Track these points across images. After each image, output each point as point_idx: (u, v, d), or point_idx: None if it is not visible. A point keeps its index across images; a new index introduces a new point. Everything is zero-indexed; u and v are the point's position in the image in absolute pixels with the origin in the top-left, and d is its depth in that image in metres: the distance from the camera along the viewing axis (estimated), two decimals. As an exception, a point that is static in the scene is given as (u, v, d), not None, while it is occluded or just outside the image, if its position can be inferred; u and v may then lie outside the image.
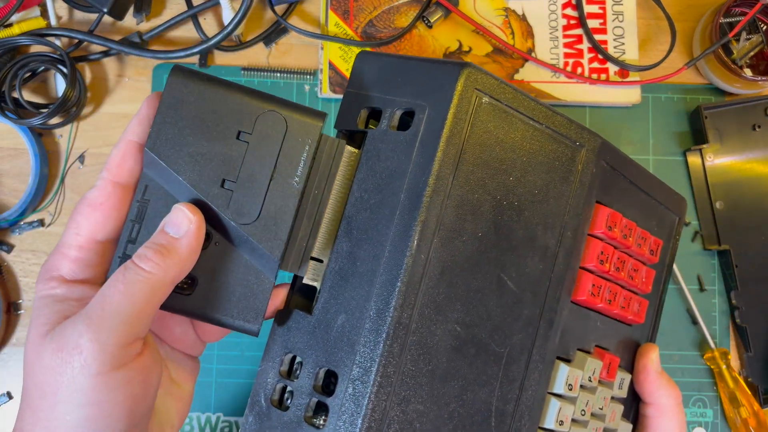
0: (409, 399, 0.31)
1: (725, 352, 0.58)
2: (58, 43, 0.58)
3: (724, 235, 0.59)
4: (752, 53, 0.58)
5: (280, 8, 0.60)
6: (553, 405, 0.37)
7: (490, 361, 0.34)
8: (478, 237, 0.33)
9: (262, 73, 0.60)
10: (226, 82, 0.33)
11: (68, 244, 0.32)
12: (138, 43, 0.58)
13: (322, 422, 0.32)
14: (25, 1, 0.56)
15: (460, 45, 0.59)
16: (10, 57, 0.57)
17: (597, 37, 0.60)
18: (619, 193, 0.40)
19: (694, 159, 0.60)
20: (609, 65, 0.60)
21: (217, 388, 0.57)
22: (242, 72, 0.60)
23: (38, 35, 0.56)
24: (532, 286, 0.35)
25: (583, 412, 0.39)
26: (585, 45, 0.60)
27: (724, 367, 0.58)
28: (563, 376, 0.37)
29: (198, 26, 0.59)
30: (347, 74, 0.58)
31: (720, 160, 0.60)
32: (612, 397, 0.42)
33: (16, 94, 0.56)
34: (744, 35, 0.58)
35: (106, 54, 0.59)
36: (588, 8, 0.60)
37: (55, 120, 0.57)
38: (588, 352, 0.40)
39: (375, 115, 0.36)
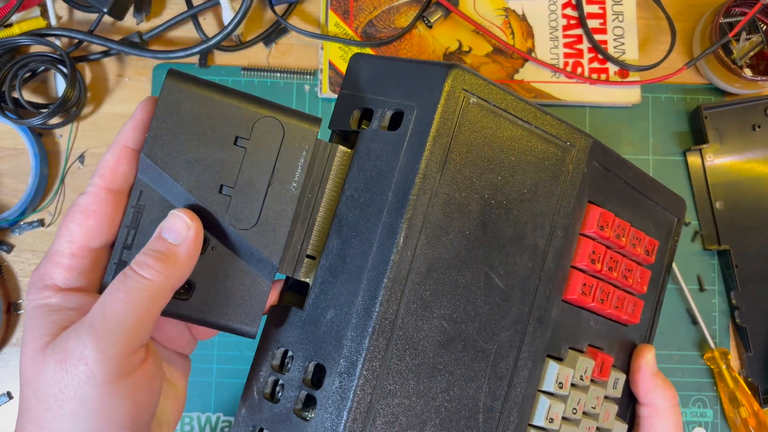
0: (395, 392, 0.32)
1: (725, 352, 0.58)
2: (58, 43, 0.58)
3: (724, 235, 0.59)
4: (752, 53, 0.58)
5: (280, 8, 0.60)
6: (543, 402, 0.37)
7: (477, 357, 0.34)
8: (465, 235, 0.34)
9: (262, 73, 0.60)
10: (222, 87, 0.33)
11: (60, 252, 0.32)
12: (138, 43, 0.58)
13: (311, 415, 0.33)
14: (25, 1, 0.56)
15: (460, 45, 0.59)
16: (10, 57, 0.57)
17: (597, 37, 0.60)
18: (612, 194, 0.41)
19: (694, 159, 0.60)
20: (609, 65, 0.60)
21: (217, 388, 0.57)
22: (242, 72, 0.60)
23: (38, 35, 0.57)
24: (521, 284, 0.36)
25: (574, 411, 0.39)
26: (585, 45, 0.60)
27: (724, 367, 0.58)
28: (553, 373, 0.38)
29: (198, 26, 0.59)
30: (347, 74, 0.58)
31: (720, 160, 0.60)
32: (606, 397, 0.42)
33: (16, 94, 0.56)
34: (744, 35, 0.58)
35: (106, 54, 0.59)
36: (588, 8, 0.60)
37: (55, 120, 0.57)
38: (581, 351, 0.40)
39: (367, 115, 0.36)
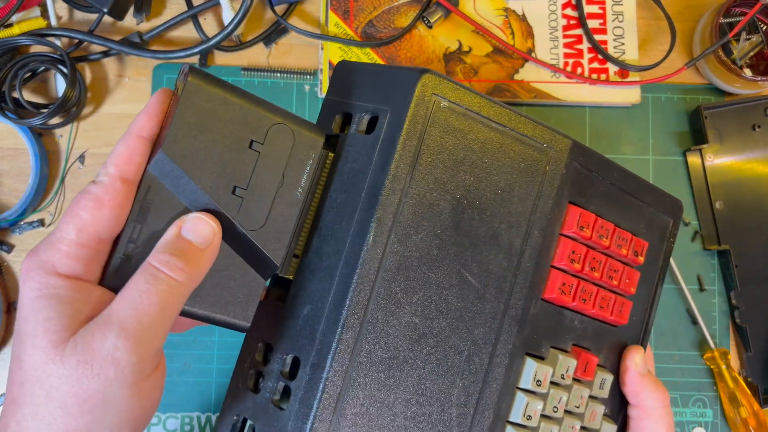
0: (365, 384, 0.33)
1: (725, 352, 0.58)
2: (58, 43, 0.58)
3: (723, 235, 0.59)
4: (752, 53, 0.58)
5: (280, 8, 0.60)
6: (520, 399, 0.38)
7: (450, 352, 0.35)
8: (436, 234, 0.35)
9: (262, 73, 0.60)
10: (241, 91, 0.34)
11: (67, 239, 0.31)
12: (138, 43, 0.58)
13: (287, 405, 0.34)
14: (26, 1, 0.56)
15: (460, 45, 0.59)
16: (10, 57, 0.57)
17: (597, 37, 0.60)
18: (596, 195, 0.41)
19: (693, 159, 0.60)
20: (609, 65, 0.60)
21: (217, 388, 0.57)
22: (242, 72, 0.60)
23: (38, 35, 0.57)
24: (496, 282, 0.37)
25: (555, 409, 0.39)
26: (585, 45, 0.60)
27: (723, 367, 0.58)
28: (531, 371, 0.38)
29: (198, 26, 0.59)
30: (347, 74, 0.58)
31: (720, 160, 0.60)
32: (593, 397, 0.42)
33: (16, 94, 0.56)
34: (744, 35, 0.58)
35: (106, 54, 0.59)
36: (588, 8, 0.60)
37: (55, 120, 0.57)
38: (564, 351, 0.41)
39: (348, 119, 0.38)
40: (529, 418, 0.38)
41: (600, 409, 0.42)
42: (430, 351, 0.35)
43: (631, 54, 0.60)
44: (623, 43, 0.60)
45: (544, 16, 0.60)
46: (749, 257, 0.59)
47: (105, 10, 0.56)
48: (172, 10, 0.61)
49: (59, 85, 0.59)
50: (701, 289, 0.60)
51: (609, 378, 0.43)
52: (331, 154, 0.36)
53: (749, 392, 0.57)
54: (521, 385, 0.39)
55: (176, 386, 0.57)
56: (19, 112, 0.56)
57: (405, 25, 0.59)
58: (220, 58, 0.60)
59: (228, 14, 0.58)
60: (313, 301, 0.34)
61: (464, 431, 0.36)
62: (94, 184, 0.32)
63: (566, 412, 0.40)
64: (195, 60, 0.59)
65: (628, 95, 0.60)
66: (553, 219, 0.39)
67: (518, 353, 0.38)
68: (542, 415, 0.39)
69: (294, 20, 0.61)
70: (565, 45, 0.60)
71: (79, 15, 0.60)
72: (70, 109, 0.57)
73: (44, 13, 0.59)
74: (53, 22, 0.58)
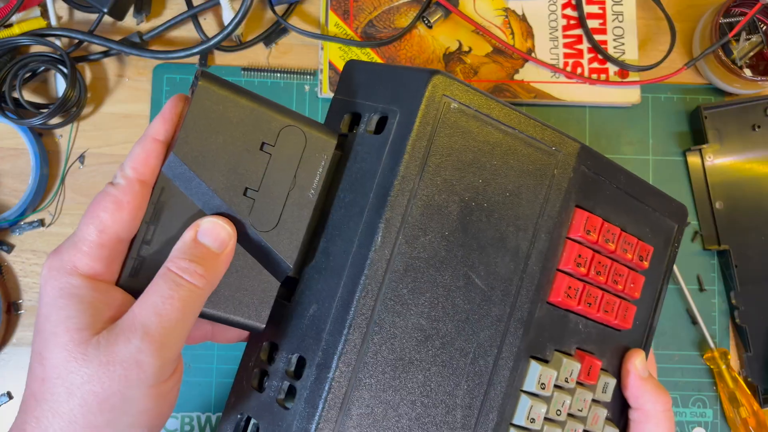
0: (370, 385, 0.33)
1: (725, 352, 0.58)
2: (58, 43, 0.58)
3: (723, 235, 0.59)
4: (752, 53, 0.58)
5: (280, 8, 0.60)
6: (524, 402, 0.38)
7: (456, 354, 0.35)
8: (444, 235, 0.35)
9: (262, 74, 0.60)
10: (251, 94, 0.34)
11: (89, 240, 0.31)
12: (138, 44, 0.58)
13: (291, 404, 0.34)
14: (26, 1, 0.56)
15: (460, 45, 0.59)
16: (10, 57, 0.57)
17: (597, 37, 0.60)
18: (603, 199, 0.41)
19: (693, 159, 0.60)
20: (609, 65, 0.60)
21: (217, 388, 0.57)
22: (242, 72, 0.60)
23: (38, 35, 0.57)
24: (502, 285, 0.37)
25: (558, 412, 0.39)
26: (585, 45, 0.60)
27: (723, 367, 0.58)
28: (535, 374, 0.38)
29: (198, 26, 0.59)
30: (347, 74, 0.58)
31: (720, 160, 0.60)
32: (595, 401, 0.42)
33: (16, 94, 0.56)
34: (744, 35, 0.58)
35: (106, 54, 0.59)
36: (588, 8, 0.60)
37: (55, 120, 0.57)
38: (568, 354, 0.41)
39: (357, 119, 0.37)
40: (533, 420, 0.38)
41: (603, 412, 0.42)
42: (436, 352, 0.35)
43: (631, 54, 0.60)
44: (623, 43, 0.60)
45: (544, 16, 0.60)
46: (749, 257, 0.59)
47: (105, 10, 0.56)
48: (172, 10, 0.61)
49: (59, 85, 0.59)
50: (701, 289, 0.60)
51: (612, 382, 0.43)
52: (338, 153, 0.36)
53: (749, 392, 0.57)
54: (525, 388, 0.38)
55: (176, 386, 0.57)
56: (19, 112, 0.56)
57: (405, 25, 0.59)
58: (220, 58, 0.60)
59: (228, 14, 0.58)
60: (319, 300, 0.34)
61: None
62: (112, 185, 0.32)
63: (569, 415, 0.40)
64: (195, 60, 0.59)
65: (628, 95, 0.60)
66: (560, 222, 0.39)
67: (523, 356, 0.38)
68: (546, 418, 0.39)
69: (294, 20, 0.61)
70: (565, 45, 0.60)
71: (79, 15, 0.60)
72: (70, 109, 0.57)
73: (44, 13, 0.59)
74: (53, 22, 0.58)
